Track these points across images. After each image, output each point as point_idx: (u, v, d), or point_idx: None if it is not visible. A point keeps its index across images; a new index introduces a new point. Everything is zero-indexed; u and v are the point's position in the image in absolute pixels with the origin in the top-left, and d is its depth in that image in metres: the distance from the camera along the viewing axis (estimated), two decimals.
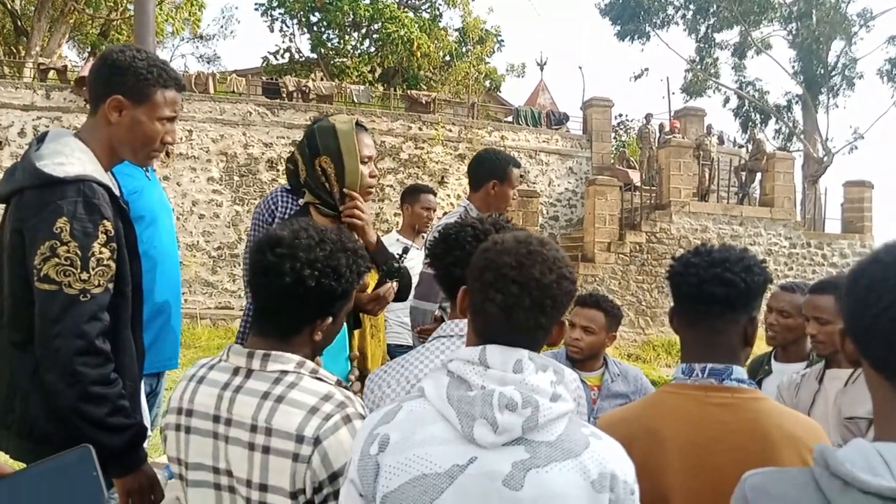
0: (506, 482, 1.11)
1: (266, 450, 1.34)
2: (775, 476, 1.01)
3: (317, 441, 1.32)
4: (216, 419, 1.41)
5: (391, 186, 15.35)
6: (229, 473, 1.39)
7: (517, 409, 1.13)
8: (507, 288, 1.19)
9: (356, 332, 2.38)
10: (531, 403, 1.14)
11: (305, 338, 1.48)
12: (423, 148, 15.99)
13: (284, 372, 1.41)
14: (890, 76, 23.43)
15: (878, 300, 0.93)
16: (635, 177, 16.84)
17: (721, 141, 19.20)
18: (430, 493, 1.13)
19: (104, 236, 1.71)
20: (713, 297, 1.47)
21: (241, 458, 1.37)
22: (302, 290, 1.40)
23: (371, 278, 2.39)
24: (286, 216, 2.67)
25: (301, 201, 2.41)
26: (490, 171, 3.17)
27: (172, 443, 1.48)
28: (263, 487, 1.35)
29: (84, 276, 1.66)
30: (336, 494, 1.32)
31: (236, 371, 1.44)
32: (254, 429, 1.36)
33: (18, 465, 1.44)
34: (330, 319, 1.48)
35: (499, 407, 1.13)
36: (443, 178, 15.91)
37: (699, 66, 25.14)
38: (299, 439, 1.32)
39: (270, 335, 1.47)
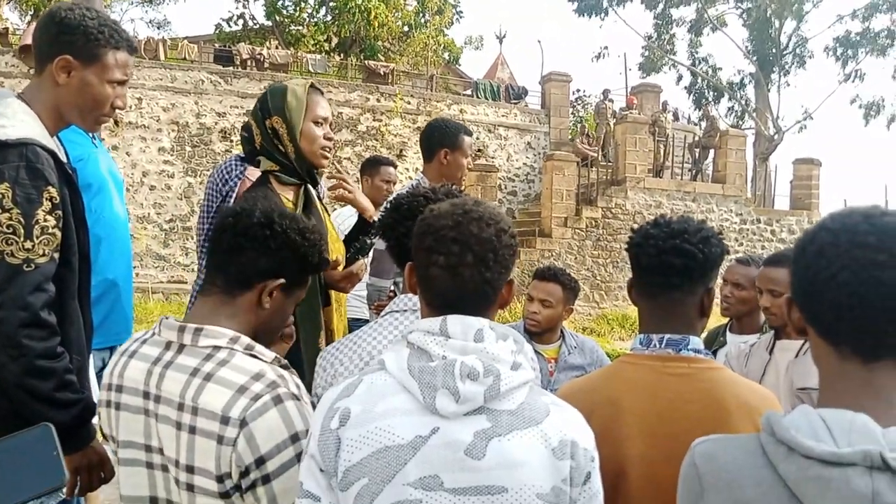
0: (468, 451, 1.12)
1: (192, 430, 1.28)
2: (723, 443, 1.03)
3: (243, 423, 1.25)
4: (146, 395, 1.35)
5: (349, 159, 15.18)
6: (161, 452, 1.34)
7: (479, 379, 1.13)
8: (448, 247, 1.20)
9: (325, 309, 2.34)
10: (492, 372, 1.14)
11: (253, 298, 1.41)
12: (381, 120, 15.84)
13: (217, 348, 1.34)
14: (837, 55, 23.99)
15: (827, 266, 0.95)
16: (594, 152, 16.98)
17: (676, 118, 19.47)
18: (393, 465, 1.12)
19: (49, 203, 1.63)
20: (672, 268, 1.48)
21: (170, 437, 1.31)
22: (268, 231, 1.39)
23: (336, 250, 2.35)
24: (238, 186, 2.60)
25: (252, 171, 2.34)
26: (440, 139, 3.14)
27: (105, 419, 1.42)
28: (190, 469, 1.28)
29: (28, 244, 1.59)
30: (264, 479, 1.26)
31: (168, 346, 1.37)
32: (181, 407, 1.29)
33: None
34: (282, 282, 1.42)
35: (460, 376, 1.13)
36: (401, 150, 15.81)
37: (656, 43, 25.35)
38: (224, 420, 1.25)
39: (218, 289, 1.41)
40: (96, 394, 2.26)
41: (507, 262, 1.25)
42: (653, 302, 1.55)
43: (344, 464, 1.14)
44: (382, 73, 16.65)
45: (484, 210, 1.25)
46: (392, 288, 2.66)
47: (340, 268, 2.28)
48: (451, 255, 1.19)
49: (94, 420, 1.77)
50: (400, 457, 1.12)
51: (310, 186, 2.30)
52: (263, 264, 1.40)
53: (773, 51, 23.84)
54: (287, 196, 2.20)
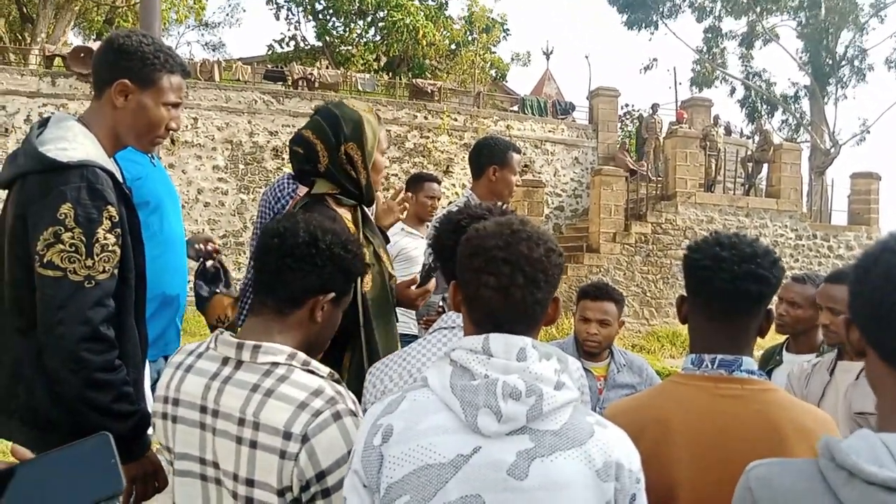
0: (510, 471, 1.11)
1: (253, 444, 1.31)
2: (779, 467, 1.01)
3: (304, 438, 1.28)
4: (203, 409, 1.38)
5: (396, 175, 15.32)
6: (216, 465, 1.37)
7: (521, 398, 1.13)
8: (499, 268, 1.19)
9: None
10: (535, 392, 1.14)
11: (305, 315, 1.44)
12: (428, 137, 15.95)
13: (275, 364, 1.37)
14: None
15: (894, 290, 0.92)
16: (637, 166, 16.76)
17: (728, 132, 19.09)
18: (434, 483, 1.12)
19: (108, 222, 1.69)
20: (748, 295, 1.44)
21: (229, 451, 1.34)
22: (314, 249, 1.41)
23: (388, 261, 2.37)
24: (289, 204, 2.65)
25: (302, 191, 2.37)
26: (490, 156, 3.16)
27: (161, 431, 1.46)
28: (250, 482, 1.32)
29: (89, 262, 1.65)
30: (324, 493, 1.30)
31: (225, 361, 1.41)
32: (241, 422, 1.33)
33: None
34: (332, 296, 1.45)
35: (502, 396, 1.12)
36: (448, 167, 15.88)
37: (707, 56, 24.98)
38: (287, 436, 1.29)
39: (269, 308, 1.43)
40: (150, 405, 2.32)
41: (556, 281, 1.25)
42: (715, 325, 1.49)
43: (386, 480, 1.14)
44: (430, 91, 16.80)
45: (532, 230, 1.24)
46: (441, 304, 2.67)
47: (413, 287, 2.33)
48: (503, 276, 1.19)
49: (149, 431, 1.82)
50: (441, 475, 1.12)
51: (364, 207, 2.31)
52: (313, 282, 1.43)
53: (830, 62, 23.23)
54: (346, 216, 2.20)
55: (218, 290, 2.63)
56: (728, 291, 1.44)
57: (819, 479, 0.92)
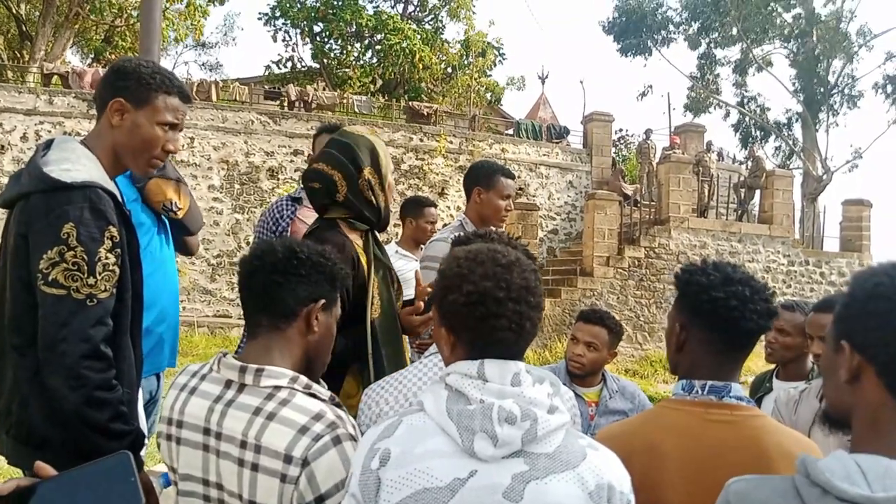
0: (506, 494, 1.12)
1: (255, 467, 1.33)
2: (758, 482, 1.04)
3: (305, 462, 1.30)
4: (206, 432, 1.41)
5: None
6: (219, 486, 1.39)
7: (516, 423, 1.15)
8: (507, 308, 1.21)
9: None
10: (530, 416, 1.16)
11: (302, 326, 1.47)
12: (423, 159, 16.04)
13: (278, 387, 1.39)
14: (887, 94, 23.53)
15: None
16: (628, 190, 16.86)
17: (720, 157, 19.26)
18: None
19: (110, 242, 1.72)
20: (761, 330, 1.49)
21: (232, 473, 1.36)
22: (295, 261, 1.45)
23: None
24: (290, 227, 2.67)
25: (303, 212, 2.39)
26: (475, 178, 3.14)
27: (166, 452, 1.49)
28: None
29: (91, 280, 1.67)
30: None
31: (228, 384, 1.43)
32: (243, 445, 1.35)
33: (16, 471, 1.43)
34: (322, 303, 1.48)
35: (498, 420, 1.14)
36: (443, 189, 15.95)
37: (700, 83, 25.28)
38: (287, 459, 1.31)
39: (265, 328, 1.46)
40: (143, 425, 2.32)
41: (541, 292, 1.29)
42: (721, 356, 1.52)
43: None
44: (426, 114, 16.91)
45: (511, 255, 1.26)
46: None
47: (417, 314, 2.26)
48: (514, 314, 1.21)
49: (142, 451, 1.82)
50: (438, 499, 1.14)
51: (375, 232, 2.30)
52: (302, 292, 1.46)
53: (821, 90, 23.52)
54: (357, 242, 2.20)
55: (152, 175, 2.46)
56: (754, 330, 1.49)
57: (794, 494, 0.96)
